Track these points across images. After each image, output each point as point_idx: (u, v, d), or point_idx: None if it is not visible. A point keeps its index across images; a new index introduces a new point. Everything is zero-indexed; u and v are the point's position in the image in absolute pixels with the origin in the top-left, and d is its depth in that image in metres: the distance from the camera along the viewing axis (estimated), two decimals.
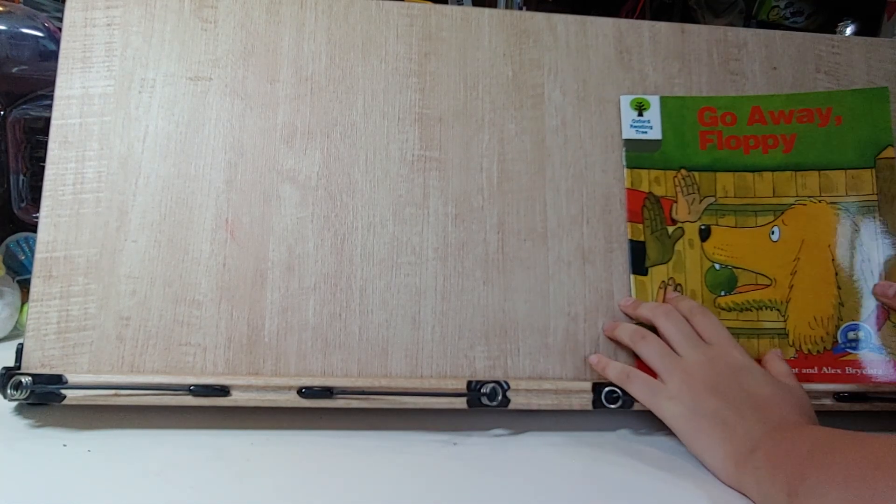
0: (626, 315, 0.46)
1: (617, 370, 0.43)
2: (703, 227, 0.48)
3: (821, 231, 0.48)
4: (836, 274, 0.47)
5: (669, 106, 0.49)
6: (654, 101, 0.49)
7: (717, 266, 0.47)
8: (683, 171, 0.48)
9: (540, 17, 0.50)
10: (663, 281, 0.46)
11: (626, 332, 0.44)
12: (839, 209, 0.48)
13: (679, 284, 0.47)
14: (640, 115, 0.49)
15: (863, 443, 0.30)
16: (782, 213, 0.48)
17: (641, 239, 0.47)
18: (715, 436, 0.37)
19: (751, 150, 0.49)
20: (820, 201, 0.48)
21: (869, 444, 0.30)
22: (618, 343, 0.45)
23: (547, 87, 0.49)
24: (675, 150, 0.49)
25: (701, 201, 0.48)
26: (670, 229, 0.47)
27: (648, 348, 0.42)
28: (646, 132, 0.48)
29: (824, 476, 0.30)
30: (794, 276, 0.47)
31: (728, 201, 0.48)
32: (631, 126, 0.48)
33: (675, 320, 0.43)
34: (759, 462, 0.34)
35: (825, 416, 0.44)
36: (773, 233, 0.47)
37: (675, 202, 0.48)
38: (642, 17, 1.05)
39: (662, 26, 0.51)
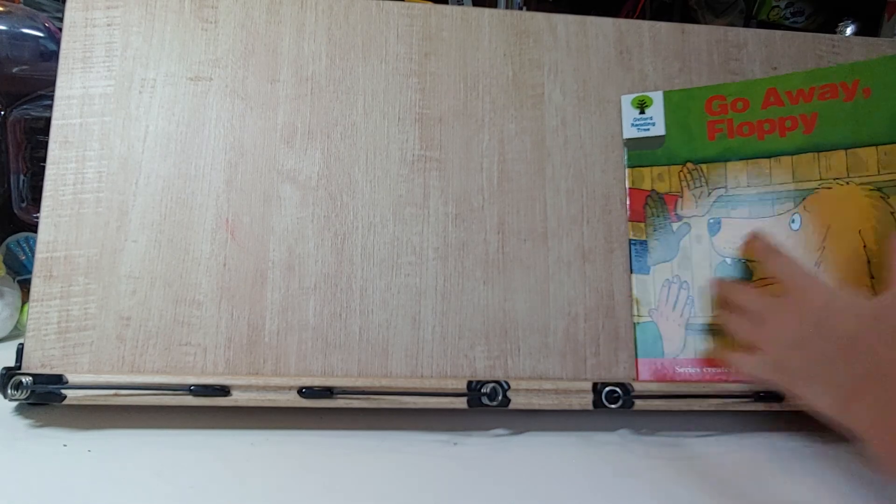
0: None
1: (748, 359, 0.42)
2: (711, 220, 0.46)
3: (850, 215, 0.44)
4: (869, 262, 0.44)
5: (673, 100, 0.48)
6: (657, 97, 0.48)
7: (728, 260, 0.45)
8: (689, 165, 0.47)
9: (540, 17, 0.50)
10: (667, 279, 0.46)
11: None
12: (871, 190, 0.44)
13: (685, 281, 0.46)
14: (642, 112, 0.48)
15: None
16: (803, 199, 0.45)
17: (643, 238, 0.47)
18: (810, 395, 0.37)
19: (766, 134, 0.46)
20: (848, 182, 0.45)
21: None
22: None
23: (547, 87, 0.49)
24: (681, 145, 0.48)
25: (710, 194, 0.46)
26: (675, 226, 0.46)
27: (737, 326, 0.43)
28: (648, 129, 0.48)
29: None
30: (819, 267, 0.44)
31: (740, 191, 0.46)
32: (632, 125, 0.48)
33: (755, 295, 0.43)
34: (853, 424, 0.34)
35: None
36: (793, 221, 0.45)
37: (681, 197, 0.47)
38: (642, 17, 1.05)
39: (662, 26, 0.51)
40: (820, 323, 0.38)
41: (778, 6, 1.02)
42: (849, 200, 0.45)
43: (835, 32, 0.95)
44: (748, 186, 0.46)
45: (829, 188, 0.44)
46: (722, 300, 0.44)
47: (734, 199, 0.46)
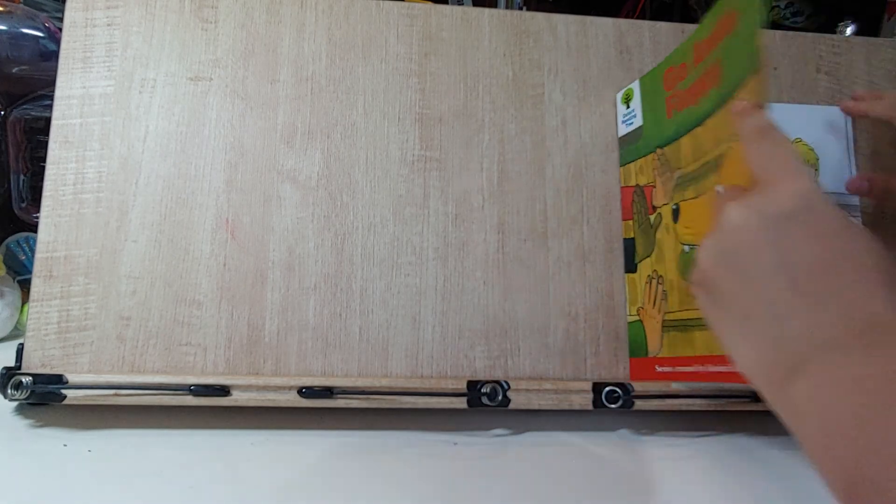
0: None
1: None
2: (674, 206, 0.41)
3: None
4: None
5: (646, 84, 0.46)
6: (636, 87, 0.47)
7: (686, 248, 0.40)
8: (658, 151, 0.43)
9: (540, 17, 0.50)
10: (649, 276, 0.44)
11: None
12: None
13: (661, 276, 0.42)
14: (628, 107, 0.47)
15: None
16: (719, 165, 0.36)
17: (632, 235, 0.47)
18: (741, 345, 0.26)
19: (698, 98, 0.39)
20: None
21: None
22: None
23: (547, 87, 0.49)
24: (652, 131, 0.44)
25: (672, 178, 0.41)
26: (651, 218, 0.44)
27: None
28: (632, 122, 0.47)
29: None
30: None
31: (689, 169, 0.39)
32: (622, 122, 0.48)
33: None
34: (801, 405, 0.23)
35: None
36: (718, 192, 0.34)
37: (654, 187, 0.44)
38: (642, 17, 1.05)
39: (662, 26, 0.51)
40: (780, 233, 0.24)
41: (778, 6, 1.02)
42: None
43: (835, 32, 0.95)
44: (694, 162, 0.39)
45: (730, 147, 0.35)
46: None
47: (684, 179, 0.40)
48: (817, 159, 0.50)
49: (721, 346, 0.28)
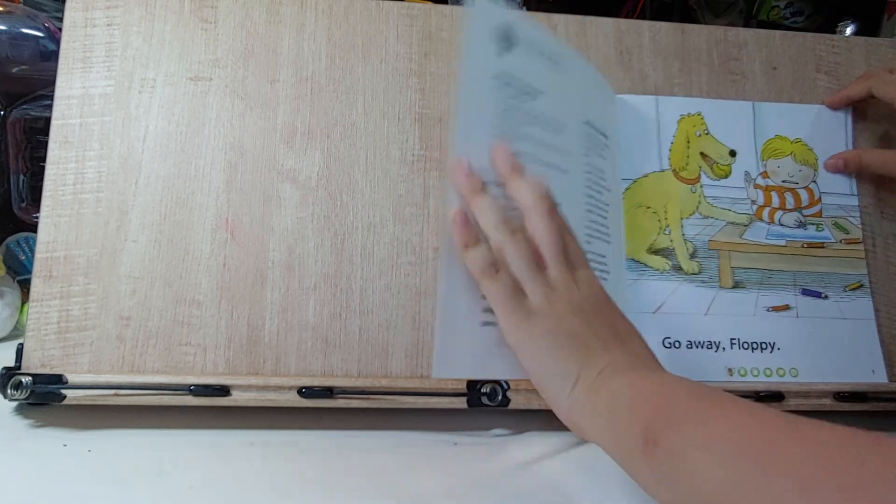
0: (497, 170, 0.37)
1: (480, 260, 0.35)
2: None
3: None
4: None
5: None
6: None
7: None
8: None
9: (540, 17, 0.50)
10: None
11: (492, 215, 0.36)
12: None
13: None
14: None
15: (756, 411, 0.27)
16: None
17: None
18: (570, 359, 0.33)
19: None
20: None
21: (763, 415, 0.27)
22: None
23: None
24: None
25: None
26: None
27: (517, 253, 0.35)
28: None
29: (699, 433, 0.26)
30: None
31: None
32: None
33: (555, 225, 0.36)
34: (615, 395, 0.31)
35: (824, 417, 0.44)
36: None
37: None
38: (642, 17, 1.05)
39: (662, 26, 0.51)
40: (604, 308, 0.35)
41: (778, 6, 1.02)
42: None
43: (835, 32, 0.95)
44: None
45: None
46: (495, 243, 0.36)
47: None
48: (817, 159, 0.50)
49: (538, 371, 0.34)
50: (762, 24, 1.03)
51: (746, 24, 1.05)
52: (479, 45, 0.38)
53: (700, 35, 0.52)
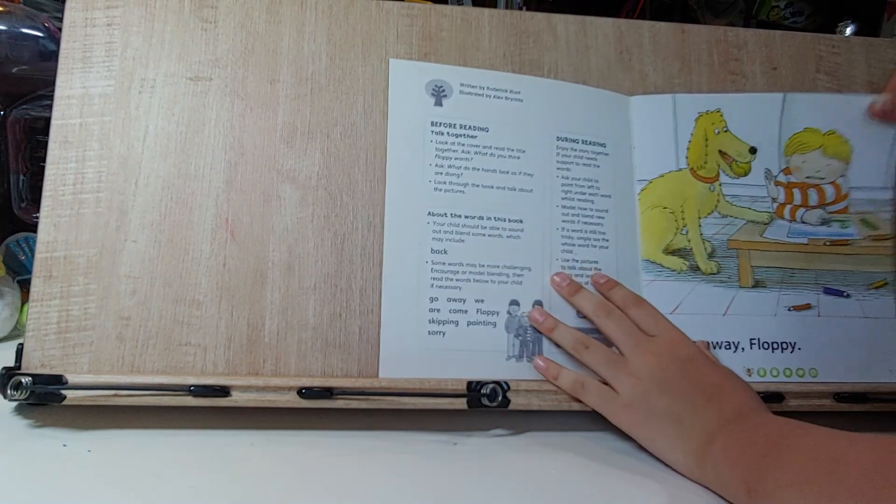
0: (562, 296, 0.45)
1: (570, 379, 0.42)
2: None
3: None
4: None
5: None
6: None
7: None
8: None
9: (540, 17, 0.50)
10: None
11: (569, 338, 0.43)
12: None
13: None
14: None
15: (819, 440, 0.31)
16: None
17: None
18: (671, 434, 0.37)
19: None
20: None
21: (825, 443, 0.30)
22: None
23: None
24: None
25: None
26: None
27: (594, 358, 0.42)
28: None
29: (782, 476, 0.30)
30: None
31: None
32: None
33: (616, 319, 0.42)
34: (717, 457, 0.34)
35: (824, 417, 0.44)
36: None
37: None
38: (642, 17, 1.05)
39: (662, 26, 0.51)
40: (684, 367, 0.39)
41: (778, 6, 1.02)
42: None
43: (835, 32, 0.95)
44: None
45: None
46: (589, 317, 0.44)
47: None
48: (851, 151, 0.50)
49: (657, 451, 0.38)
50: (762, 24, 1.03)
51: (746, 24, 1.05)
52: (411, 99, 0.46)
53: (700, 35, 0.52)
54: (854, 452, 0.28)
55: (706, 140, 0.49)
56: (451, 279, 0.44)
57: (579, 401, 0.42)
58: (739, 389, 0.38)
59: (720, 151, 0.49)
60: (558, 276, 0.45)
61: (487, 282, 0.44)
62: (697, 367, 0.39)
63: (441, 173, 0.45)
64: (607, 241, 0.47)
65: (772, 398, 0.43)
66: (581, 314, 0.45)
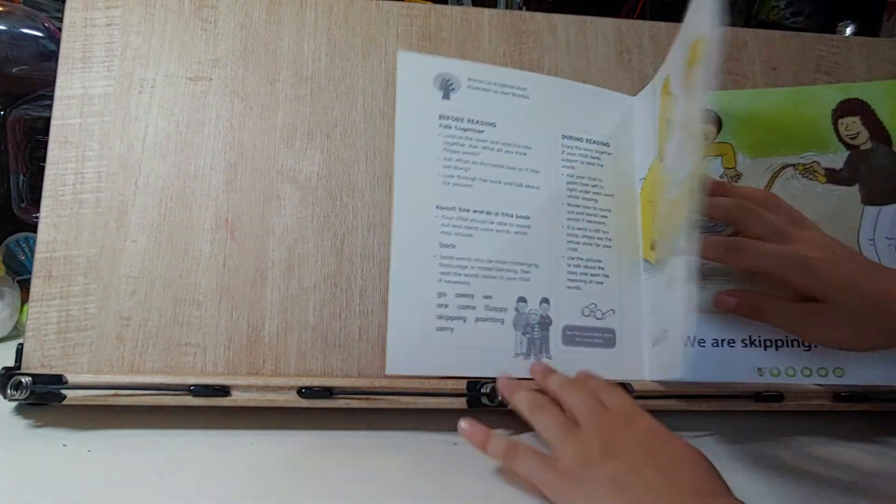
0: (536, 380, 0.41)
1: (502, 446, 0.37)
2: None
3: None
4: None
5: None
6: None
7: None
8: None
9: (540, 17, 0.50)
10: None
11: (525, 400, 0.39)
12: None
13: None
14: None
15: None
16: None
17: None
18: (607, 502, 0.31)
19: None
20: None
21: None
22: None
23: None
24: None
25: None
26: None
27: (546, 419, 0.37)
28: None
29: None
30: None
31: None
32: None
33: (584, 394, 0.37)
34: None
35: (823, 417, 0.44)
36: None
37: None
38: (642, 17, 1.05)
39: (662, 26, 0.51)
40: (641, 438, 0.33)
41: (778, 6, 1.02)
42: None
43: (835, 32, 0.95)
44: None
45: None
46: (556, 394, 0.39)
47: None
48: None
49: None
50: (762, 24, 1.03)
51: (746, 24, 1.05)
52: (419, 92, 0.46)
53: None
54: None
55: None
56: (460, 274, 0.44)
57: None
58: (702, 469, 0.32)
59: None
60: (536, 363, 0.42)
61: (496, 277, 0.44)
62: (657, 439, 0.33)
63: (449, 167, 0.45)
64: (610, 240, 0.46)
65: (772, 398, 0.43)
66: (584, 311, 0.44)
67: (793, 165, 0.47)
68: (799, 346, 0.44)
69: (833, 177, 0.46)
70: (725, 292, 0.43)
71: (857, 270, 0.39)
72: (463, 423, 0.38)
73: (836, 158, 0.47)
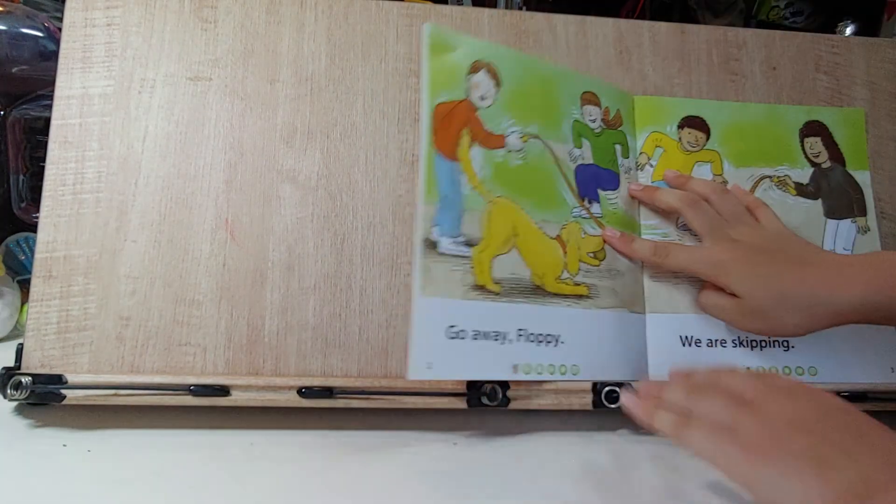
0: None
1: (669, 420, 0.33)
2: None
3: None
4: None
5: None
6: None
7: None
8: None
9: (540, 17, 0.50)
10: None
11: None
12: None
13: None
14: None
15: None
16: None
17: None
18: (809, 479, 0.27)
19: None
20: None
21: None
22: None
23: None
24: None
25: None
26: None
27: (712, 399, 0.33)
28: None
29: None
30: None
31: None
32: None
33: (744, 377, 0.34)
34: None
35: None
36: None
37: None
38: (642, 17, 1.05)
39: (662, 26, 0.51)
40: (826, 411, 0.31)
41: (778, 6, 1.02)
42: None
43: (835, 32, 0.95)
44: None
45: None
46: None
47: None
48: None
49: (764, 496, 0.29)
50: (762, 24, 1.03)
51: (746, 24, 1.05)
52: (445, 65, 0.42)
53: (700, 35, 0.52)
54: None
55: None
56: None
57: (613, 406, 0.40)
58: (881, 430, 0.29)
59: None
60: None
61: None
62: (854, 415, 0.31)
63: None
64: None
65: None
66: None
67: (769, 177, 0.49)
68: (778, 346, 0.46)
69: (801, 190, 0.50)
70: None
71: (766, 266, 0.41)
72: (624, 399, 0.37)
73: (804, 174, 0.50)
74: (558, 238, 0.44)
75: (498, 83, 0.44)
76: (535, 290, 0.42)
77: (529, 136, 0.44)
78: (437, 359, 0.38)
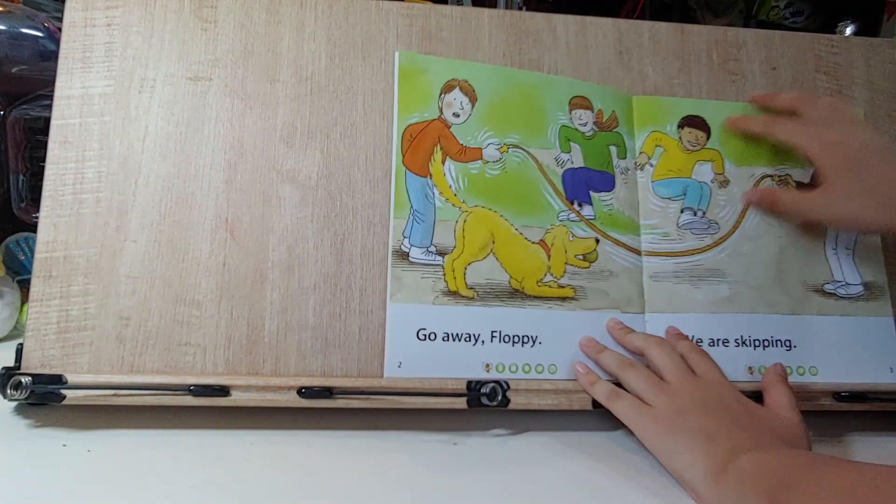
0: (614, 339, 0.45)
1: (605, 389, 0.41)
2: None
3: None
4: None
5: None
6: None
7: None
8: None
9: (540, 17, 0.50)
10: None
11: (613, 359, 0.43)
12: None
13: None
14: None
15: (846, 469, 0.31)
16: None
17: None
18: (697, 449, 0.36)
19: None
20: None
21: (849, 471, 0.30)
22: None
23: None
24: None
25: None
26: None
27: (637, 376, 0.41)
28: None
29: (805, 496, 0.30)
30: None
31: None
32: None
33: (668, 351, 0.42)
34: (740, 475, 0.33)
35: (824, 416, 0.44)
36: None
37: None
38: (642, 17, 1.05)
39: (662, 26, 0.52)
40: (727, 400, 0.39)
41: (777, 6, 1.02)
42: None
43: (835, 32, 0.95)
44: None
45: None
46: (640, 349, 0.43)
47: None
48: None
49: (676, 465, 0.37)
50: (762, 24, 1.03)
51: (746, 24, 1.05)
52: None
53: (700, 35, 0.52)
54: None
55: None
56: None
57: (604, 406, 0.41)
58: (778, 431, 0.37)
59: None
60: (585, 339, 0.45)
61: None
62: (741, 406, 0.39)
63: None
64: None
65: None
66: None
67: (770, 176, 0.50)
68: (780, 346, 0.46)
69: (802, 189, 0.50)
70: (750, 191, 0.48)
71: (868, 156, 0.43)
72: (578, 367, 0.43)
73: (805, 173, 0.50)
74: (541, 242, 0.45)
75: (473, 99, 0.46)
76: (513, 294, 0.44)
77: (509, 145, 0.46)
78: (407, 358, 0.42)
